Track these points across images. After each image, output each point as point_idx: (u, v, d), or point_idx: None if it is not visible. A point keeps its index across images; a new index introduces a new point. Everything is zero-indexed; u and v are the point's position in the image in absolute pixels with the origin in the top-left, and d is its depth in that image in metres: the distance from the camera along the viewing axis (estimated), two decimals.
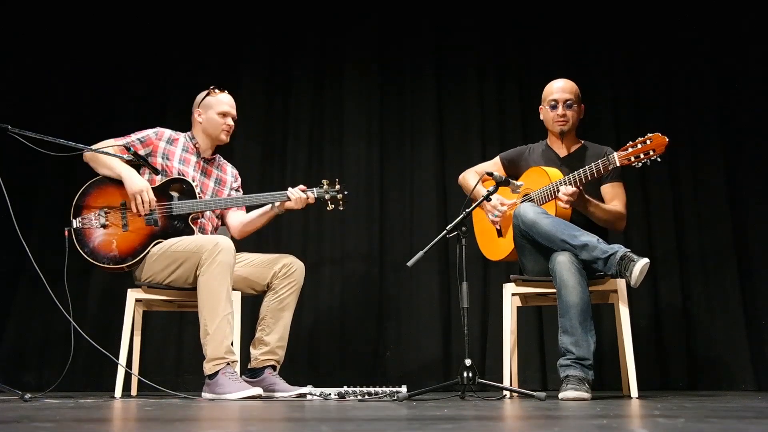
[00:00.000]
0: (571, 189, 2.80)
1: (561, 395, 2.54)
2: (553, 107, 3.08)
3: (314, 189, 3.17)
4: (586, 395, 2.52)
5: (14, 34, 4.25)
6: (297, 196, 3.10)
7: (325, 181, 3.20)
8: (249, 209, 3.27)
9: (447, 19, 4.37)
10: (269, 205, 3.18)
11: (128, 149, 2.94)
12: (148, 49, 4.37)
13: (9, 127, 2.60)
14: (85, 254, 2.93)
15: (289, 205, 3.13)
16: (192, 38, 4.40)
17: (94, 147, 2.97)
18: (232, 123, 3.21)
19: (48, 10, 4.30)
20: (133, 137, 3.08)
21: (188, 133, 3.22)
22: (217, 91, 3.20)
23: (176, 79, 4.38)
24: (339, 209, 3.20)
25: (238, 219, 3.25)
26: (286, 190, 3.13)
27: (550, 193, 2.90)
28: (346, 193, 3.20)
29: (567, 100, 3.07)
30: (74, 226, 2.95)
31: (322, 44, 4.41)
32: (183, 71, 4.38)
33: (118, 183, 3.00)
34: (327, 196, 3.17)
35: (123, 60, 4.35)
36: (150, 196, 2.96)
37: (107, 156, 2.98)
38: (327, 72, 4.39)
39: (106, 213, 2.98)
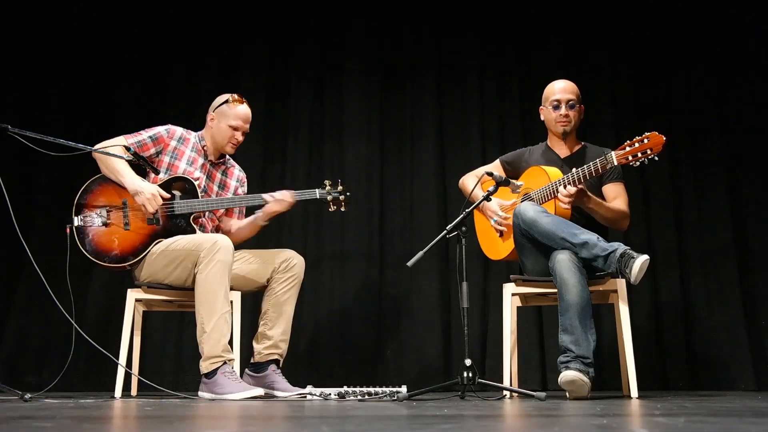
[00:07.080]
0: (571, 189, 2.79)
1: (561, 377, 2.55)
2: (556, 107, 3.08)
3: (316, 190, 3.15)
4: (586, 379, 2.53)
5: (14, 34, 4.25)
6: (275, 197, 3.07)
7: (327, 182, 3.17)
8: (249, 212, 3.26)
9: (447, 19, 4.37)
10: (254, 215, 3.17)
11: (128, 149, 2.92)
12: (148, 49, 4.36)
13: (9, 127, 2.60)
14: (87, 252, 2.92)
15: (271, 207, 3.08)
16: (192, 38, 4.39)
17: (96, 147, 2.96)
18: (241, 138, 3.16)
19: (48, 9, 4.30)
20: (144, 135, 3.07)
21: (199, 133, 3.20)
22: (236, 101, 3.15)
23: (176, 79, 4.38)
24: (341, 210, 3.18)
25: (228, 227, 3.22)
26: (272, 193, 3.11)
27: (550, 193, 2.89)
28: (348, 194, 3.17)
29: (569, 101, 3.07)
30: (75, 223, 2.94)
31: (323, 44, 4.41)
32: (183, 71, 4.38)
33: None
34: (329, 197, 3.15)
35: (123, 60, 4.34)
36: (158, 201, 2.94)
37: (114, 160, 2.95)
38: (327, 72, 4.38)
39: (108, 211, 2.97)
